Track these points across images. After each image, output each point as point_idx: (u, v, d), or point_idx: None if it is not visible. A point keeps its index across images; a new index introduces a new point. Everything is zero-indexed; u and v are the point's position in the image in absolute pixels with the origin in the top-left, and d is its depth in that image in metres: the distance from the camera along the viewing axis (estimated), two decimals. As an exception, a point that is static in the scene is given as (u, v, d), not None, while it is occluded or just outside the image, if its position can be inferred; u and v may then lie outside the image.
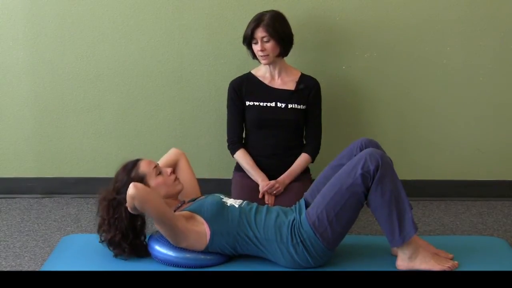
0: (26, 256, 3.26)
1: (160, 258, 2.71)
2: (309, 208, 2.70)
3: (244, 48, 3.42)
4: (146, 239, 2.80)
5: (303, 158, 3.40)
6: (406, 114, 3.88)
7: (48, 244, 3.38)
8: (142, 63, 3.83)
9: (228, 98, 3.46)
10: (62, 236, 3.41)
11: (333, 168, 2.83)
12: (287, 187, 3.34)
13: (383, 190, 2.59)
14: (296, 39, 3.41)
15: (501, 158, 3.92)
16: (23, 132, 3.95)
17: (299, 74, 3.46)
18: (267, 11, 3.35)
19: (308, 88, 3.41)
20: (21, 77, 3.87)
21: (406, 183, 2.78)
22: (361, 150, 2.76)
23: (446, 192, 3.96)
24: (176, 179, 2.79)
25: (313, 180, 2.96)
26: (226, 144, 3.49)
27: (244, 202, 2.80)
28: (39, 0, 3.76)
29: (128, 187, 2.54)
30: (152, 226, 2.78)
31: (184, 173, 2.95)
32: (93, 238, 2.80)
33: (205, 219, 2.68)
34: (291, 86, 3.41)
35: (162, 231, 2.64)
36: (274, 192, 3.31)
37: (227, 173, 3.60)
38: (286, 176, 3.35)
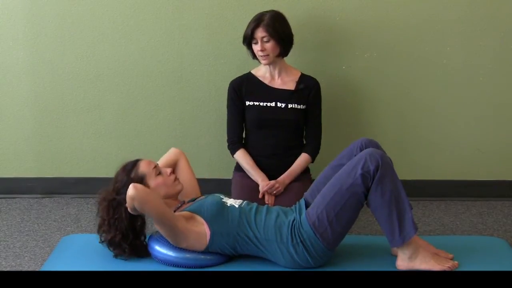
0: (26, 256, 3.26)
1: (160, 258, 2.71)
2: (309, 208, 2.70)
3: (244, 48, 3.42)
4: (146, 239, 2.80)
5: (303, 158, 3.40)
6: (406, 114, 3.88)
7: (48, 244, 3.38)
8: (142, 63, 3.83)
9: (228, 98, 3.47)
10: (62, 236, 3.41)
11: (333, 168, 2.83)
12: (287, 187, 3.34)
13: (383, 190, 2.59)
14: (296, 39, 3.41)
15: (501, 158, 3.92)
16: (23, 132, 3.95)
17: (299, 74, 3.46)
18: (267, 11, 3.35)
19: (308, 88, 3.41)
20: (21, 77, 3.87)
21: (406, 183, 2.78)
22: (361, 150, 2.76)
23: (446, 192, 3.96)
24: (176, 179, 2.79)
25: (313, 180, 2.96)
26: (226, 144, 3.49)
27: (244, 202, 2.80)
28: (39, 0, 3.76)
29: (128, 187, 2.54)
30: (152, 226, 2.78)
31: (183, 173, 2.94)
32: (93, 238, 2.80)
33: (205, 219, 2.68)
34: (291, 86, 3.41)
35: (162, 232, 2.64)
36: (274, 192, 3.31)
37: (227, 173, 3.60)
38: (286, 176, 3.35)
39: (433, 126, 3.88)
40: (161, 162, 2.92)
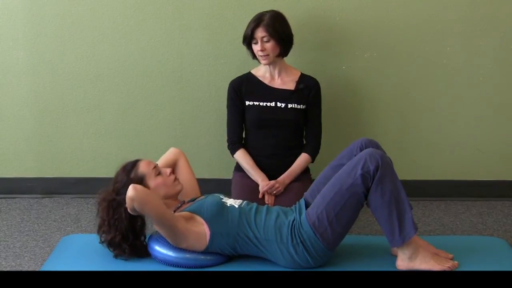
0: (26, 256, 3.26)
1: (160, 258, 2.71)
2: (309, 209, 2.70)
3: (244, 48, 3.42)
4: (146, 240, 2.79)
5: (303, 158, 3.40)
6: (406, 114, 3.88)
7: (48, 244, 3.38)
8: (142, 63, 3.83)
9: (228, 98, 3.47)
10: (62, 236, 3.41)
11: (333, 168, 2.83)
12: (287, 187, 3.34)
13: (383, 190, 2.59)
14: (296, 39, 3.41)
15: (501, 158, 3.92)
16: (23, 132, 3.95)
17: (299, 74, 3.46)
18: (267, 11, 3.35)
19: (308, 88, 3.41)
20: (21, 77, 3.87)
21: (406, 183, 2.78)
22: (361, 150, 2.76)
23: (446, 192, 3.96)
24: (176, 179, 2.79)
25: (313, 180, 2.96)
26: (226, 144, 3.49)
27: (244, 202, 2.79)
28: (39, 0, 3.76)
29: (127, 187, 2.54)
30: (152, 226, 2.78)
31: (183, 173, 2.94)
32: (93, 238, 2.80)
33: (205, 219, 2.67)
34: (291, 86, 3.41)
35: (161, 232, 2.64)
36: (274, 192, 3.31)
37: (227, 173, 3.60)
38: (286, 176, 3.35)
39: (433, 126, 3.88)
40: (160, 162, 2.92)
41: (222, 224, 2.67)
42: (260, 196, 3.31)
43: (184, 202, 2.82)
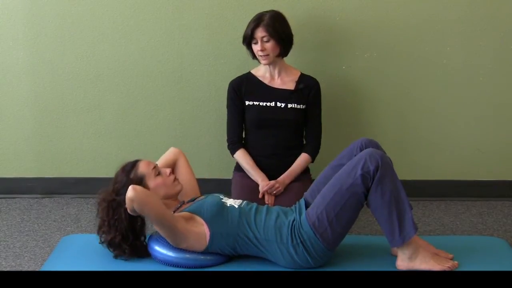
0: (26, 256, 3.26)
1: (160, 258, 2.70)
2: (309, 209, 2.70)
3: (244, 48, 3.42)
4: (146, 239, 2.79)
5: (303, 158, 3.40)
6: (406, 114, 3.88)
7: (48, 244, 3.38)
8: (142, 63, 3.83)
9: (228, 98, 3.47)
10: (62, 236, 3.41)
11: (333, 168, 2.83)
12: (287, 187, 3.34)
13: (383, 191, 2.59)
14: (296, 39, 3.41)
15: (501, 158, 3.92)
16: (23, 132, 3.95)
17: (298, 74, 3.46)
18: (267, 11, 3.35)
19: (308, 88, 3.41)
20: (21, 77, 3.87)
21: (406, 183, 2.78)
22: (361, 150, 2.76)
23: (446, 192, 3.96)
24: (176, 179, 2.79)
25: (313, 180, 2.96)
26: (226, 144, 3.49)
27: (244, 202, 2.79)
28: (39, 0, 3.76)
29: (127, 188, 2.54)
30: (152, 226, 2.78)
31: (183, 173, 2.94)
32: (93, 238, 2.80)
33: (204, 220, 2.67)
34: (290, 86, 3.41)
35: (161, 233, 2.64)
36: (274, 192, 3.31)
37: (227, 173, 3.60)
38: (286, 176, 3.35)
39: (433, 126, 3.88)
40: (160, 162, 2.92)
41: (222, 225, 2.67)
42: (260, 196, 3.31)
43: (184, 202, 2.82)
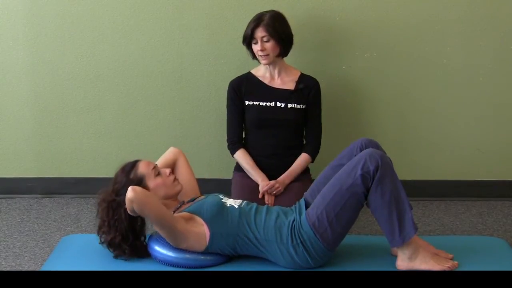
0: (26, 256, 3.26)
1: (160, 258, 2.70)
2: (309, 209, 2.70)
3: (244, 48, 3.42)
4: (146, 239, 2.79)
5: (303, 158, 3.40)
6: (406, 114, 3.88)
7: (48, 244, 3.38)
8: (142, 63, 3.83)
9: (227, 98, 3.47)
10: (62, 236, 3.41)
11: (333, 168, 2.83)
12: (287, 187, 3.34)
13: (383, 191, 2.59)
14: (296, 39, 3.41)
15: (501, 158, 3.92)
16: (23, 132, 3.95)
17: (298, 74, 3.46)
18: (267, 11, 3.35)
19: (308, 88, 3.41)
20: (21, 77, 3.87)
21: (406, 183, 2.78)
22: (361, 150, 2.76)
23: (446, 192, 3.96)
24: (175, 179, 2.79)
25: (313, 180, 2.95)
26: (226, 144, 3.49)
27: (244, 202, 2.79)
28: (39, 0, 3.76)
29: (127, 188, 2.54)
30: (151, 226, 2.78)
31: (183, 173, 2.94)
32: (93, 238, 2.80)
33: (204, 220, 2.67)
34: (290, 85, 3.41)
35: (161, 233, 2.64)
36: (274, 192, 3.31)
37: (227, 173, 3.60)
38: (286, 176, 3.35)
39: (433, 126, 3.88)
40: (160, 162, 2.92)
41: (222, 225, 2.67)
42: (260, 196, 3.31)
43: (183, 203, 2.81)
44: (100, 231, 2.73)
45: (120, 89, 3.87)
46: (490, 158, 3.92)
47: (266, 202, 3.29)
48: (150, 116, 3.90)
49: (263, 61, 3.35)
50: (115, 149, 3.94)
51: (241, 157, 3.41)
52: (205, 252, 2.68)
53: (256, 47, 3.32)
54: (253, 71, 3.49)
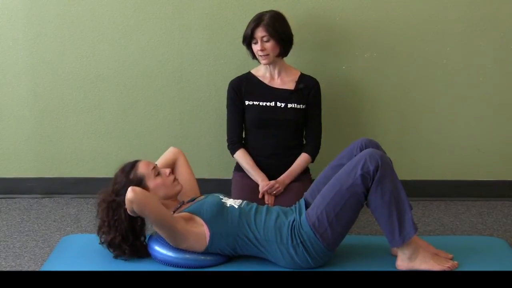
0: (26, 256, 3.26)
1: (160, 258, 2.70)
2: (309, 209, 2.70)
3: (244, 48, 3.42)
4: (146, 239, 2.79)
5: (303, 158, 3.40)
6: (406, 114, 3.88)
7: (48, 244, 3.38)
8: (142, 63, 3.83)
9: (227, 98, 3.47)
10: (62, 236, 3.41)
11: (333, 168, 2.83)
12: (287, 187, 3.34)
13: (383, 191, 2.59)
14: (296, 39, 3.41)
15: (501, 158, 3.92)
16: (23, 132, 3.95)
17: (298, 74, 3.46)
18: (267, 11, 3.35)
19: (308, 88, 3.41)
20: (21, 77, 3.87)
21: (406, 183, 2.78)
22: (361, 150, 2.76)
23: (446, 192, 3.96)
24: (175, 179, 2.79)
25: (313, 180, 2.95)
26: (226, 144, 3.49)
27: (244, 203, 2.79)
28: (39, 0, 3.76)
29: (127, 188, 2.54)
30: (151, 226, 2.78)
31: (182, 172, 2.94)
32: (93, 238, 2.80)
33: (204, 220, 2.67)
34: (290, 85, 3.41)
35: (161, 233, 2.64)
36: (274, 192, 3.31)
37: (227, 173, 3.60)
38: (286, 176, 3.35)
39: (433, 126, 3.88)
40: (159, 162, 2.92)
41: (222, 225, 2.67)
42: (260, 196, 3.31)
43: (183, 203, 2.81)
44: (100, 231, 2.73)
45: (120, 89, 3.87)
46: (490, 158, 3.92)
47: (266, 202, 3.29)
48: (150, 116, 3.90)
49: (263, 61, 3.35)
50: (115, 149, 3.94)
51: (241, 157, 3.41)
52: (205, 252, 2.68)
53: (256, 47, 3.32)
54: (253, 71, 3.49)
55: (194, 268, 2.68)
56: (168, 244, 2.68)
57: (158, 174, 2.74)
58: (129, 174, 2.70)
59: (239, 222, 2.68)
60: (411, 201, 2.72)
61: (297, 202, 2.83)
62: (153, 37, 3.79)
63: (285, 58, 3.44)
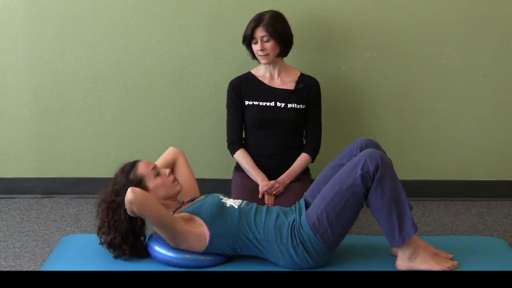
0: (26, 256, 3.26)
1: (160, 258, 2.70)
2: (309, 209, 2.70)
3: (244, 48, 3.42)
4: (146, 240, 2.79)
5: (303, 158, 3.40)
6: (406, 114, 3.88)
7: (48, 244, 3.38)
8: (142, 63, 3.83)
9: (227, 98, 3.47)
10: (62, 236, 3.41)
11: (333, 168, 2.83)
12: (287, 187, 3.34)
13: (383, 191, 2.59)
14: (296, 39, 3.41)
15: (501, 158, 3.92)
16: (23, 132, 3.95)
17: (298, 74, 3.46)
18: (267, 11, 3.35)
19: (307, 88, 3.41)
20: (21, 77, 3.87)
21: (406, 183, 2.78)
22: (361, 150, 2.76)
23: (446, 192, 3.96)
24: (175, 179, 2.78)
25: (313, 180, 2.95)
26: (226, 144, 3.48)
27: (244, 203, 2.79)
28: (39, 0, 3.76)
29: (126, 189, 2.54)
30: (151, 226, 2.78)
31: (182, 172, 2.94)
32: (93, 238, 2.80)
33: (204, 220, 2.67)
34: (290, 85, 3.41)
35: (161, 234, 2.64)
36: (274, 192, 3.31)
37: (227, 173, 3.60)
38: (286, 176, 3.35)
39: (433, 126, 3.88)
40: (159, 161, 2.91)
41: (222, 225, 2.67)
42: (260, 196, 3.31)
43: (183, 203, 2.81)
44: (100, 231, 2.73)
45: (120, 89, 3.87)
46: (490, 158, 3.92)
47: (266, 202, 3.29)
48: (150, 116, 3.90)
49: (262, 60, 3.35)
50: (115, 149, 3.94)
51: (241, 157, 3.41)
52: (205, 252, 2.68)
53: (256, 47, 3.32)
54: (253, 71, 3.49)
55: (194, 268, 2.68)
56: (168, 244, 2.68)
57: (158, 174, 2.74)
58: (128, 175, 2.70)
59: (239, 222, 2.68)
60: (411, 201, 2.72)
61: (297, 202, 2.82)
62: (153, 37, 3.79)
63: (285, 58, 3.44)
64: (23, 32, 3.81)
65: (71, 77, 3.86)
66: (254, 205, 2.79)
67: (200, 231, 2.65)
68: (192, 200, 2.83)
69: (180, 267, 2.68)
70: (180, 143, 3.79)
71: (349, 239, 2.80)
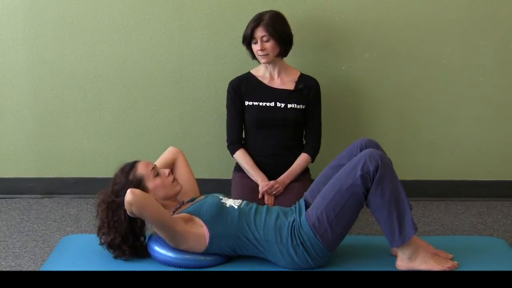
0: (26, 256, 3.26)
1: (160, 259, 2.70)
2: (309, 209, 2.70)
3: (244, 48, 3.42)
4: (146, 239, 2.79)
5: (303, 158, 3.40)
6: (406, 114, 3.88)
7: (48, 244, 3.38)
8: (142, 63, 3.83)
9: (227, 98, 3.46)
10: (62, 236, 3.41)
11: (333, 168, 2.83)
12: (287, 187, 3.34)
13: (383, 191, 2.59)
14: (296, 39, 3.41)
15: (501, 158, 3.92)
16: (23, 132, 3.95)
17: (298, 74, 3.46)
18: (267, 11, 3.35)
19: (307, 88, 3.41)
20: (21, 77, 3.87)
21: (406, 183, 2.78)
22: (361, 150, 2.76)
23: (446, 192, 3.96)
24: (175, 180, 2.78)
25: (313, 180, 2.95)
26: (226, 144, 3.48)
27: (244, 203, 2.79)
28: (39, 0, 3.76)
29: (126, 189, 2.53)
30: (151, 227, 2.78)
31: (182, 172, 2.94)
32: (93, 239, 2.79)
33: (204, 221, 2.67)
34: (290, 86, 3.41)
35: (161, 234, 2.64)
36: (274, 192, 3.31)
37: (227, 173, 3.60)
38: (286, 176, 3.35)
39: (433, 126, 3.88)
40: (159, 162, 2.91)
41: (222, 226, 2.67)
42: (259, 196, 3.31)
43: (183, 203, 2.81)
44: (100, 232, 2.73)
45: (120, 89, 3.87)
46: (490, 158, 3.92)
47: (266, 202, 3.29)
48: (150, 116, 3.90)
49: (262, 60, 3.35)
50: (115, 149, 3.94)
51: (241, 157, 3.41)
52: (204, 253, 2.68)
53: (256, 47, 3.32)
54: (253, 71, 3.48)
55: (194, 268, 2.68)
56: (168, 244, 2.67)
57: (157, 174, 2.73)
58: (128, 175, 2.70)
59: (238, 222, 2.68)
60: (411, 201, 2.72)
61: (297, 202, 2.82)
62: (153, 37, 3.79)
63: (285, 58, 3.44)
64: (23, 32, 3.81)
65: (71, 77, 3.86)
66: (254, 205, 2.79)
67: (199, 232, 2.65)
68: (192, 200, 2.83)
69: (180, 267, 2.68)
70: (180, 143, 3.79)
71: (349, 239, 2.80)
